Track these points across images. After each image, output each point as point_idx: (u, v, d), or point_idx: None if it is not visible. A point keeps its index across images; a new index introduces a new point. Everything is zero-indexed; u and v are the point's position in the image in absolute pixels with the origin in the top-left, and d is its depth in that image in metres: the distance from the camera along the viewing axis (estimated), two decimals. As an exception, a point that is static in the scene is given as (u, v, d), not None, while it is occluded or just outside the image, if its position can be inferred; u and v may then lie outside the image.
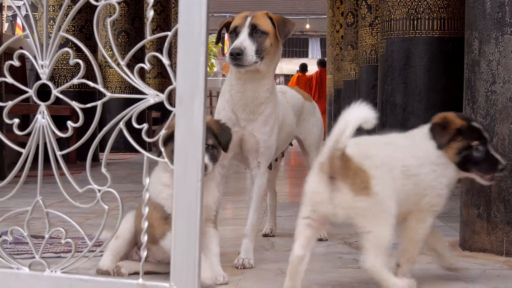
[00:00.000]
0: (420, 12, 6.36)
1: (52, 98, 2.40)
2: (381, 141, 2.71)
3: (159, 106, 2.58)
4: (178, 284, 2.19)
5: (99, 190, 2.33)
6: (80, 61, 2.38)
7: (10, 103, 2.48)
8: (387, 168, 2.57)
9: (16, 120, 2.42)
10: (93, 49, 9.96)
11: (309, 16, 42.79)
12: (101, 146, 8.98)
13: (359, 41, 10.65)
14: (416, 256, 2.76)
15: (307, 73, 21.97)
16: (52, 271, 2.38)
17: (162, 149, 2.33)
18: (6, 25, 26.06)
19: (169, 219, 2.62)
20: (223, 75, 32.88)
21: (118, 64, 2.32)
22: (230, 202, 5.64)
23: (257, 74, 3.18)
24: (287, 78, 36.47)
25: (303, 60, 30.06)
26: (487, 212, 3.36)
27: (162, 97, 2.24)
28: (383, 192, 2.52)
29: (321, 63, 21.11)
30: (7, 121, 2.43)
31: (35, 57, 2.45)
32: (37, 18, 11.14)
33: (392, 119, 6.55)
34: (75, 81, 2.38)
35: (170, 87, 2.20)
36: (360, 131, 2.46)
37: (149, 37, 2.29)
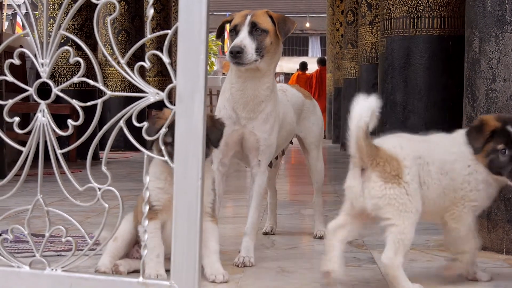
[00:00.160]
0: (420, 10, 6.36)
1: (53, 97, 2.40)
2: (415, 138, 2.75)
3: (159, 104, 2.56)
4: (179, 283, 2.18)
5: (100, 189, 2.33)
6: (80, 60, 2.38)
7: (10, 102, 2.47)
8: (423, 162, 2.64)
9: (17, 119, 2.42)
10: (93, 47, 9.96)
11: (309, 15, 42.78)
12: (101, 145, 8.98)
13: (359, 40, 10.65)
14: (472, 250, 2.76)
15: (307, 72, 21.96)
16: (52, 269, 2.38)
17: (163, 147, 2.33)
18: (6, 24, 26.06)
19: (152, 209, 2.80)
20: (223, 74, 32.87)
21: (118, 63, 2.32)
22: (231, 201, 5.64)
23: (257, 73, 3.18)
24: (287, 76, 36.48)
25: (303, 59, 30.05)
26: (487, 211, 3.36)
27: (162, 95, 2.24)
28: (413, 185, 2.56)
29: (321, 62, 21.10)
30: (7, 119, 2.43)
31: (35, 56, 2.45)
32: (37, 16, 11.14)
33: (392, 118, 6.54)
34: (76, 79, 2.38)
35: (170, 86, 2.20)
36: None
37: (149, 35, 2.29)
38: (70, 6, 7.61)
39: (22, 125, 2.31)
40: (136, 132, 2.28)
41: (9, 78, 2.47)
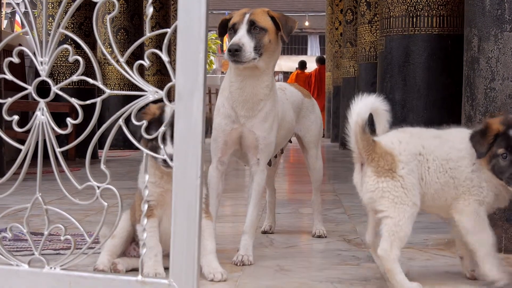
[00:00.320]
0: (419, 9, 6.36)
1: (52, 95, 2.40)
2: (424, 133, 2.77)
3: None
4: (177, 281, 2.19)
5: (99, 187, 2.33)
6: (80, 58, 2.38)
7: (9, 100, 2.47)
8: (423, 159, 2.68)
9: (16, 117, 2.42)
10: (92, 46, 9.96)
11: (308, 13, 42.75)
12: (101, 143, 8.97)
13: (358, 38, 10.65)
14: (483, 243, 2.70)
15: (306, 71, 21.96)
16: (51, 267, 2.38)
17: (162, 146, 2.34)
18: (5, 22, 26.05)
19: (148, 206, 2.70)
20: (222, 72, 32.85)
21: (118, 61, 2.32)
22: (230, 199, 5.64)
23: (256, 71, 3.18)
24: (286, 75, 36.45)
25: (302, 58, 30.06)
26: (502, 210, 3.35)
27: (162, 94, 2.24)
28: (409, 179, 2.62)
29: (320, 61, 21.10)
30: (6, 118, 2.43)
31: (34, 54, 2.44)
32: (36, 15, 11.14)
33: (391, 116, 6.55)
34: (75, 78, 2.38)
35: (169, 84, 2.20)
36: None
37: (148, 34, 2.29)
38: (69, 4, 7.62)
39: (21, 124, 2.31)
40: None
41: (8, 76, 2.47)
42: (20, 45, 3.11)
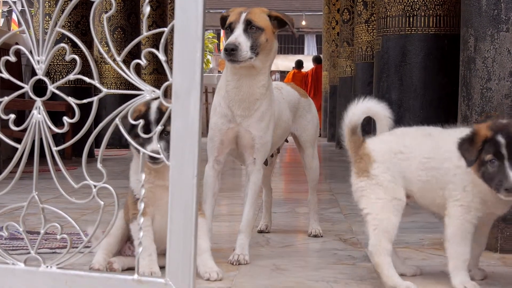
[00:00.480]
0: (416, 9, 6.36)
1: (48, 94, 2.40)
2: (416, 132, 2.80)
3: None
4: (174, 280, 2.19)
5: (95, 186, 2.33)
6: (76, 57, 2.38)
7: (6, 99, 2.47)
8: (403, 157, 2.73)
9: (12, 116, 2.42)
10: (89, 44, 9.95)
11: (305, 13, 42.73)
12: (97, 142, 8.97)
13: (355, 38, 10.65)
14: (457, 253, 2.67)
15: (303, 70, 21.97)
16: (47, 266, 2.38)
17: (158, 146, 2.34)
18: (1, 21, 26.02)
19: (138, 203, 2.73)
20: (219, 72, 32.81)
21: (114, 60, 2.32)
22: (226, 198, 5.64)
23: (253, 70, 3.18)
24: (282, 74, 36.42)
25: (298, 57, 30.04)
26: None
27: (158, 93, 2.24)
28: (383, 176, 2.71)
29: (317, 60, 21.11)
30: (3, 116, 2.43)
31: (31, 53, 2.44)
32: (33, 13, 11.12)
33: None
34: (71, 76, 2.38)
35: (166, 83, 2.20)
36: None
37: (145, 33, 2.29)
38: (66, 3, 7.60)
39: (18, 122, 2.31)
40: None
41: (5, 75, 2.47)
42: (17, 43, 3.11)
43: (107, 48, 11.12)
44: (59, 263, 2.38)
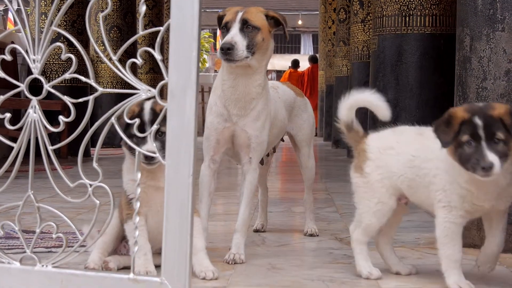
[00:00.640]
0: (412, 8, 6.37)
1: (44, 93, 2.40)
2: (413, 130, 2.84)
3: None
4: (169, 279, 2.19)
5: (91, 185, 2.33)
6: (72, 56, 2.38)
7: (1, 98, 2.47)
8: (394, 152, 2.77)
9: (8, 115, 2.42)
10: (85, 44, 9.94)
11: (301, 12, 42.73)
12: (93, 141, 8.96)
13: (351, 37, 10.66)
14: (446, 254, 2.66)
15: (299, 69, 21.97)
16: (43, 265, 2.38)
17: (153, 145, 2.34)
18: (-3, 20, 25.97)
19: (131, 203, 2.79)
20: (215, 71, 32.79)
21: (110, 59, 2.32)
22: (222, 198, 5.64)
23: (249, 69, 3.18)
24: (279, 74, 36.41)
25: (295, 56, 30.06)
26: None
27: (154, 92, 2.24)
28: (373, 176, 2.80)
29: (313, 59, 21.12)
30: (-2, 115, 2.43)
31: (26, 52, 2.44)
32: (29, 12, 11.11)
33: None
34: (67, 75, 2.38)
35: (162, 82, 2.20)
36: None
37: (141, 32, 2.29)
38: (62, 2, 7.59)
39: (13, 122, 2.31)
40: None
41: (1, 74, 2.47)
42: (12, 42, 3.10)
43: (103, 47, 11.11)
44: (55, 262, 2.38)
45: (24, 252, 2.44)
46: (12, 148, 2.41)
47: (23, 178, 2.68)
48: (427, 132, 2.74)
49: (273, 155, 4.15)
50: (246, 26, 3.13)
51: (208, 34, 38.37)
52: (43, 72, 9.17)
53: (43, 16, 9.55)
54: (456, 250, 2.66)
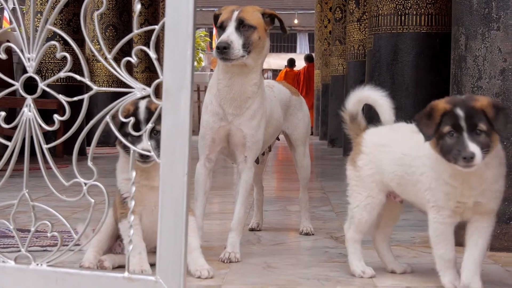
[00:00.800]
0: (408, 7, 6.38)
1: (39, 91, 2.39)
2: (409, 128, 2.80)
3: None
4: (164, 278, 2.19)
5: (86, 184, 2.33)
6: (67, 55, 2.38)
7: (-4, 96, 2.47)
8: (386, 150, 2.78)
9: (2, 113, 2.41)
10: (81, 42, 9.92)
11: (297, 11, 42.73)
12: (88, 140, 8.94)
13: (347, 37, 10.67)
14: (438, 254, 2.66)
15: (295, 68, 21.98)
16: (38, 264, 2.38)
17: (148, 143, 2.34)
18: (-7, 18, 25.92)
19: (125, 202, 2.81)
20: (211, 70, 32.79)
21: (106, 58, 2.32)
22: (217, 197, 5.64)
23: (245, 68, 3.18)
24: (275, 73, 36.40)
25: (291, 55, 30.03)
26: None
27: (149, 90, 2.24)
28: (364, 170, 2.83)
29: (308, 58, 21.13)
30: (-7, 114, 2.42)
31: (22, 50, 2.44)
32: (24, 11, 11.10)
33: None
34: (62, 74, 2.38)
35: (157, 81, 2.20)
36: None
37: (136, 30, 2.29)
38: (57, 1, 7.59)
39: (8, 120, 2.30)
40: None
41: (-5, 72, 2.46)
42: (8, 41, 3.10)
43: (99, 46, 11.10)
44: (50, 261, 2.37)
45: (19, 251, 2.44)
46: (7, 146, 2.41)
47: (18, 177, 2.68)
48: None
49: (269, 154, 4.15)
50: (242, 25, 3.13)
51: (204, 33, 38.36)
52: (39, 71, 9.17)
53: (38, 15, 9.54)
54: (449, 250, 2.66)
